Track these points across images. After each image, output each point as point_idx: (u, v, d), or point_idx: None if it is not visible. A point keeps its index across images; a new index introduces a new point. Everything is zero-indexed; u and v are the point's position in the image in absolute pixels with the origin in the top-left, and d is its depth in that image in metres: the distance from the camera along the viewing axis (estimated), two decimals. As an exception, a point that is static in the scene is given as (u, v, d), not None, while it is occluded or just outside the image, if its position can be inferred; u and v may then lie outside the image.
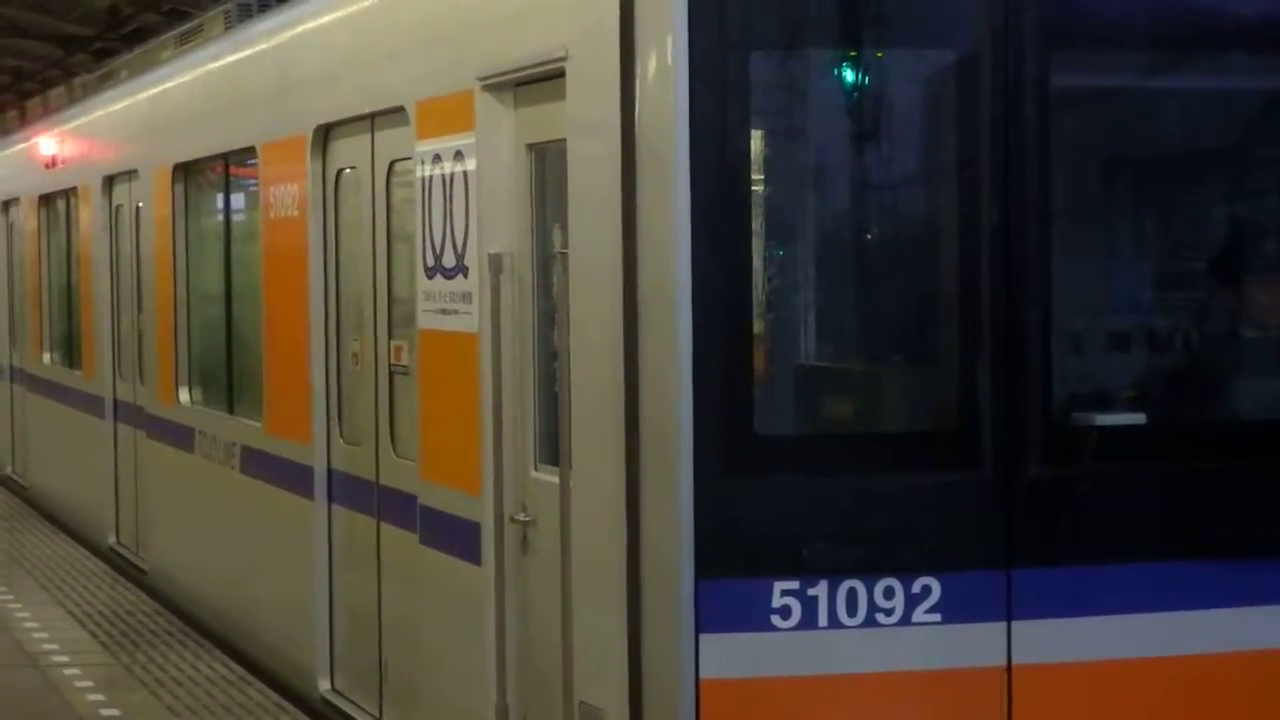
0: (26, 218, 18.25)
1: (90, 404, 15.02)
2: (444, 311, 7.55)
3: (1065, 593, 5.79)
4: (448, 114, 7.44)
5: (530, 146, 6.99)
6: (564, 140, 6.42)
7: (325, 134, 9.19)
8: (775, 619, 5.61)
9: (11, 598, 12.66)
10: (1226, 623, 5.90)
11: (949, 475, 5.77)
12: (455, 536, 7.46)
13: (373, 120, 8.55)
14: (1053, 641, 5.78)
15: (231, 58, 11.35)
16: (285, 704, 9.50)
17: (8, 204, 19.61)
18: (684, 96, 5.57)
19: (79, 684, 10.04)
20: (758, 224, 5.72)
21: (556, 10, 6.53)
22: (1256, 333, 6.38)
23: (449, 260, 7.46)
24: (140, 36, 24.08)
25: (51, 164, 16.74)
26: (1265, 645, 5.96)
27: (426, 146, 7.67)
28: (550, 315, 6.82)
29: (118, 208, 14.29)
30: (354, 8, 9.06)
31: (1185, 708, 5.92)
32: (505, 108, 7.08)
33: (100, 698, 9.72)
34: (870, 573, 5.64)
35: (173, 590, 12.45)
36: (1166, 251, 6.38)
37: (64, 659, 10.67)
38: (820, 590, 5.62)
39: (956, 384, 5.85)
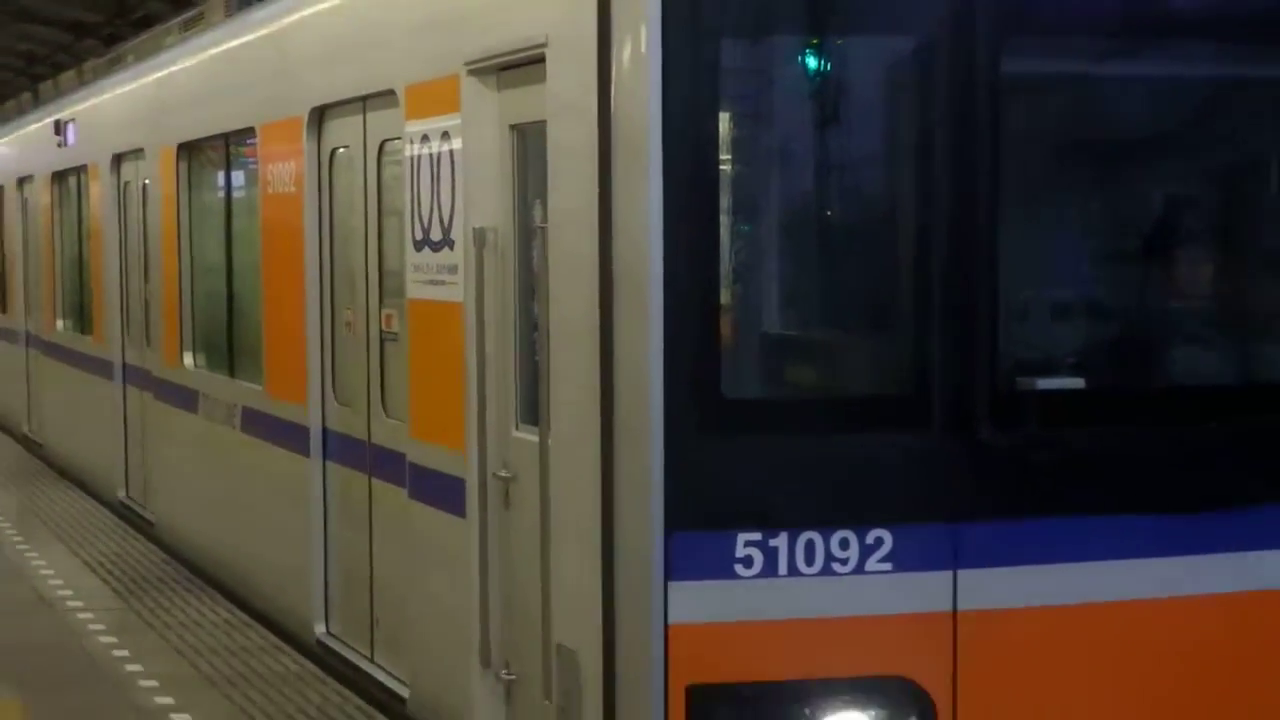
0: (40, 194, 18.17)
1: (100, 368, 14.99)
2: (431, 282, 7.54)
3: (1008, 544, 5.80)
4: (435, 97, 7.41)
5: (513, 127, 6.97)
6: (544, 121, 6.40)
7: (320, 115, 9.16)
8: (739, 568, 5.61)
9: (29, 548, 12.64)
10: (1158, 571, 5.92)
11: (902, 436, 5.75)
12: (442, 491, 7.46)
13: (365, 103, 8.52)
14: (996, 589, 5.79)
15: (232, 43, 11.30)
16: (284, 646, 9.52)
17: (22, 180, 19.51)
18: (657, 81, 5.54)
19: (92, 627, 10.04)
20: (725, 201, 5.70)
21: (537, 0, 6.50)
22: (1186, 304, 6.40)
23: (436, 234, 7.45)
24: (146, 23, 23.94)
25: (63, 143, 16.64)
26: (1192, 592, 5.98)
27: (415, 127, 7.64)
28: (531, 285, 6.81)
29: (126, 184, 14.23)
30: (347, -3, 9.03)
31: (1118, 650, 5.94)
32: (489, 90, 7.06)
33: (112, 640, 9.72)
34: (827, 525, 5.63)
35: (178, 541, 12.44)
36: (1106, 230, 6.36)
37: (78, 604, 10.67)
38: (781, 541, 5.62)
39: (910, 351, 5.83)
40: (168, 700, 8.45)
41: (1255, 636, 6.07)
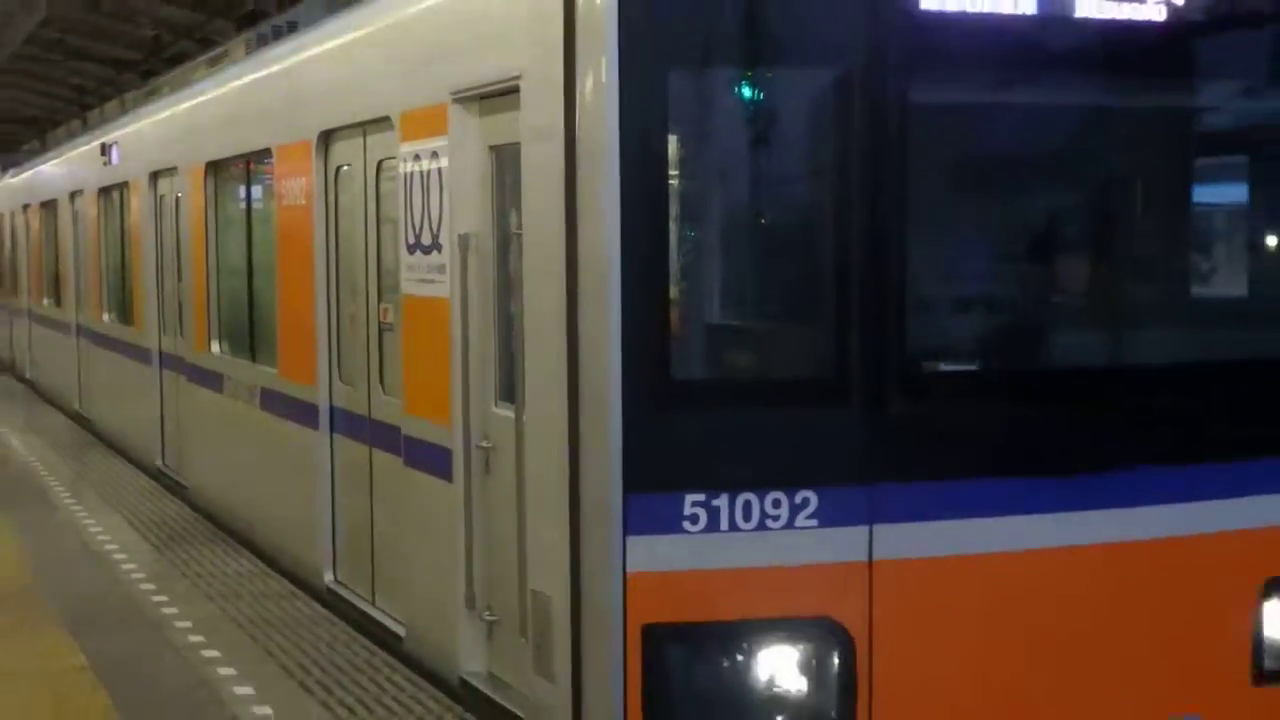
0: (88, 206, 17.97)
1: (140, 354, 14.84)
2: (422, 280, 7.46)
3: (915, 503, 5.76)
4: (425, 122, 7.32)
5: (491, 148, 6.89)
6: (519, 143, 6.33)
7: (327, 138, 9.05)
8: (686, 524, 5.56)
9: (81, 508, 12.51)
10: (1041, 525, 5.90)
11: (825, 411, 5.70)
12: (432, 459, 7.39)
13: (364, 128, 8.43)
14: (905, 541, 5.75)
15: (251, 77, 11.16)
16: (298, 591, 9.44)
17: (74, 194, 19.30)
18: (614, 108, 5.48)
19: (134, 576, 9.94)
20: (674, 211, 5.63)
21: (513, 39, 6.41)
22: (1064, 300, 6.37)
23: (426, 239, 7.37)
24: (178, 60, 23.80)
25: (108, 163, 16.45)
26: (1070, 543, 5.96)
27: (408, 148, 7.56)
28: (507, 283, 6.75)
29: (161, 197, 14.09)
30: (350, 37, 8.91)
31: (1008, 592, 5.93)
32: (472, 117, 6.98)
33: (151, 587, 9.63)
34: (762, 487, 5.58)
35: (207, 502, 12.33)
36: (998, 236, 6.32)
37: (122, 556, 10.56)
38: (722, 501, 5.57)
39: (832, 339, 5.76)
40: (199, 639, 8.36)
41: (1123, 580, 6.06)
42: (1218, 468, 6.14)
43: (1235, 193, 6.91)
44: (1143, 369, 6.26)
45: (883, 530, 5.71)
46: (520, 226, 6.36)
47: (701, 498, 5.56)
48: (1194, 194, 6.81)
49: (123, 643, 8.33)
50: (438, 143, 7.18)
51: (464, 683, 7.10)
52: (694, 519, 5.57)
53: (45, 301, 21.89)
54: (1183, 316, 6.58)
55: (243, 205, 11.56)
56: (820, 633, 5.70)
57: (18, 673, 7.68)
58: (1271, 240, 6.97)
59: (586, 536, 5.76)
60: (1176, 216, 6.69)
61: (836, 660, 5.71)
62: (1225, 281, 6.86)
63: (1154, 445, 6.07)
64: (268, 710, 7.05)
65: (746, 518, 5.60)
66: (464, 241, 6.95)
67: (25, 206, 23.45)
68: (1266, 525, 6.24)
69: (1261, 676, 6.28)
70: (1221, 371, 6.24)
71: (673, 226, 5.62)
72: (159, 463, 14.24)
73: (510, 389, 6.64)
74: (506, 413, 6.68)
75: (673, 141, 5.63)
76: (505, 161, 6.76)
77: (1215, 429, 6.15)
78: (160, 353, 14.21)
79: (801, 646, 5.70)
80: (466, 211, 7.02)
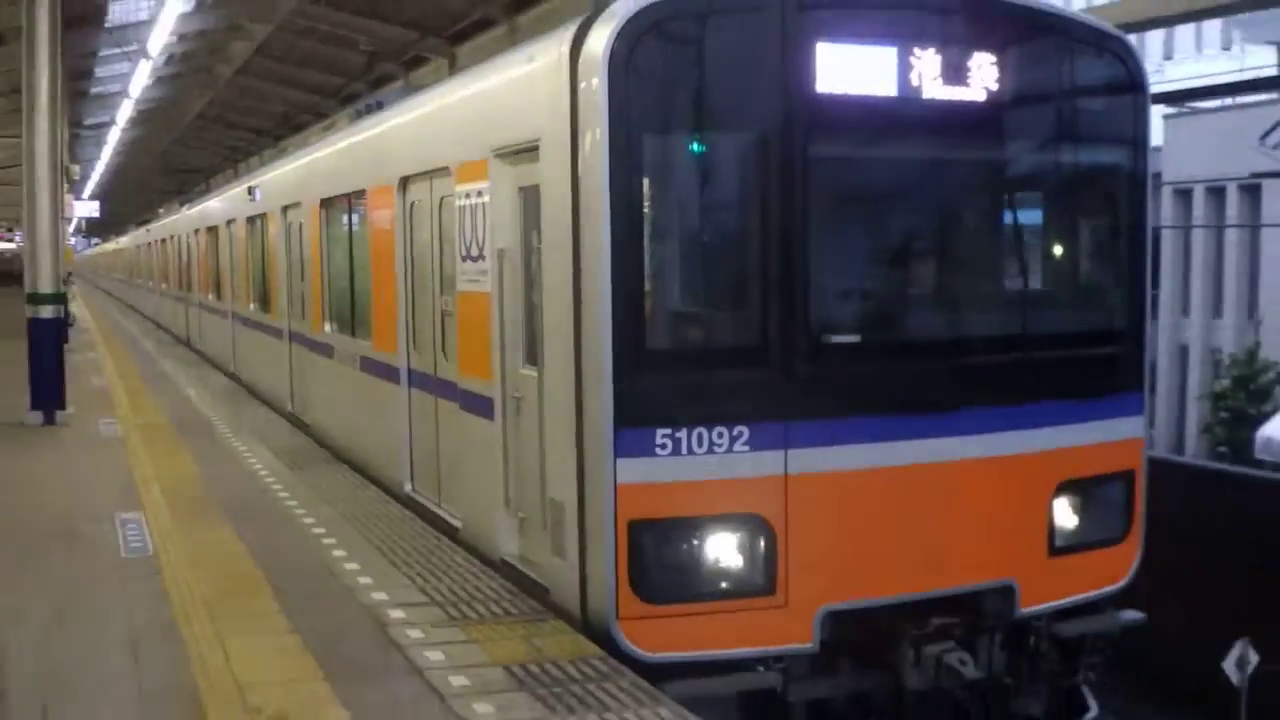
0: (240, 230, 17.74)
1: (275, 332, 14.68)
2: (472, 281, 7.35)
3: (817, 434, 5.72)
4: (473, 170, 7.20)
5: (520, 188, 6.78)
6: (539, 185, 6.22)
7: (405, 182, 8.90)
8: (658, 450, 5.51)
9: (235, 439, 12.36)
10: (904, 449, 5.86)
11: (754, 370, 5.66)
12: (479, 405, 7.30)
13: (431, 175, 8.29)
14: (810, 461, 5.70)
15: (352, 140, 10.98)
16: (388, 498, 9.33)
17: (229, 222, 19.05)
18: (605, 160, 5.41)
19: (274, 486, 9.81)
20: (647, 230, 5.56)
21: (535, 113, 6.29)
22: (921, 290, 6.31)
23: (474, 252, 7.26)
24: (300, 127, 23.47)
25: (253, 200, 16.22)
26: (925, 461, 5.92)
27: (462, 189, 7.43)
28: (531, 282, 6.65)
29: (289, 224, 13.89)
30: (421, 111, 8.77)
31: (881, 495, 5.89)
32: (506, 166, 6.86)
33: (285, 494, 9.50)
34: (710, 424, 5.53)
35: (323, 436, 12.19)
36: (872, 247, 6.26)
37: (265, 472, 10.42)
38: (683, 434, 5.52)
39: (757, 320, 5.72)
40: (320, 530, 8.26)
41: (960, 486, 6.04)
42: (1024, 408, 6.12)
43: (1033, 217, 6.88)
44: (973, 339, 6.22)
45: (795, 453, 5.67)
46: (540, 243, 6.26)
47: (668, 431, 5.50)
48: (1005, 218, 6.75)
49: (267, 532, 8.22)
50: (482, 185, 7.06)
51: (504, 561, 7.02)
52: (663, 446, 5.51)
53: (209, 296, 21.65)
54: (999, 303, 6.53)
55: (345, 229, 11.38)
56: (751, 525, 5.66)
57: (200, 553, 7.59)
58: (1058, 250, 6.93)
59: (588, 459, 5.69)
60: (993, 233, 6.64)
61: (762, 544, 5.68)
62: (1029, 278, 6.81)
63: (981, 392, 6.04)
64: (369, 579, 6.97)
65: (700, 444, 5.54)
66: (500, 254, 6.85)
67: (196, 231, 23.18)
68: (1057, 447, 6.23)
69: (1054, 550, 6.28)
70: (1028, 341, 6.21)
71: (646, 243, 5.55)
72: (289, 408, 14.09)
73: (534, 355, 6.55)
74: (531, 373, 6.58)
75: (646, 183, 5.56)
76: (529, 198, 6.64)
77: (1023, 380, 6.12)
78: (289, 331, 14.04)
79: (738, 534, 5.67)
80: (502, 233, 6.91)
